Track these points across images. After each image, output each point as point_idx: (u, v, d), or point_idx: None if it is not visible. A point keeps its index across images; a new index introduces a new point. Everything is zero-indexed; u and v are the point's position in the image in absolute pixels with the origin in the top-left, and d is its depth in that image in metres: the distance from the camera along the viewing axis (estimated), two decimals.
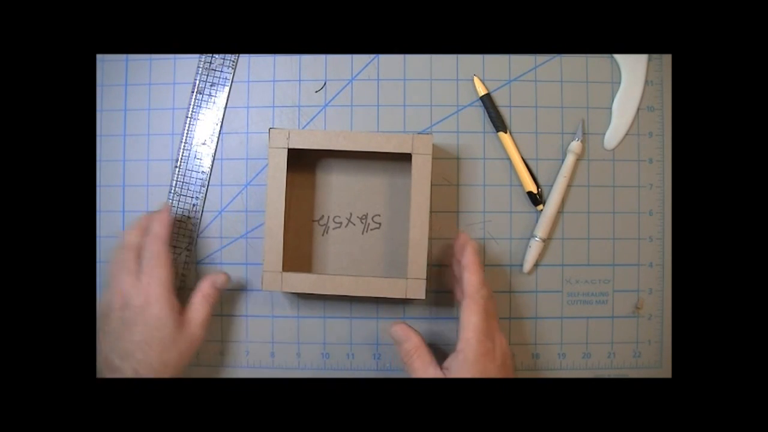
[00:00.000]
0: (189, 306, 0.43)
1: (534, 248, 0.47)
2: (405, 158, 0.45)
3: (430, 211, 0.43)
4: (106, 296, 0.42)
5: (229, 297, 0.48)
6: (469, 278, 0.40)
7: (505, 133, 0.47)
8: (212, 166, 0.48)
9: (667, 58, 0.48)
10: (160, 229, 0.43)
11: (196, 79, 0.48)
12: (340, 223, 0.48)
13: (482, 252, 0.47)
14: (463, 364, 0.39)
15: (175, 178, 0.48)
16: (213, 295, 0.44)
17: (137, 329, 0.40)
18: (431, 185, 0.42)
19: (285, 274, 0.43)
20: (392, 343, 0.48)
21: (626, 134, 0.48)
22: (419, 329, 0.48)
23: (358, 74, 0.48)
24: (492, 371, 0.39)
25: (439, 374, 0.39)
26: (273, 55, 0.49)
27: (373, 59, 0.48)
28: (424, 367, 0.40)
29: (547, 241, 0.47)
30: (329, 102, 0.48)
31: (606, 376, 0.47)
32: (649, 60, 0.48)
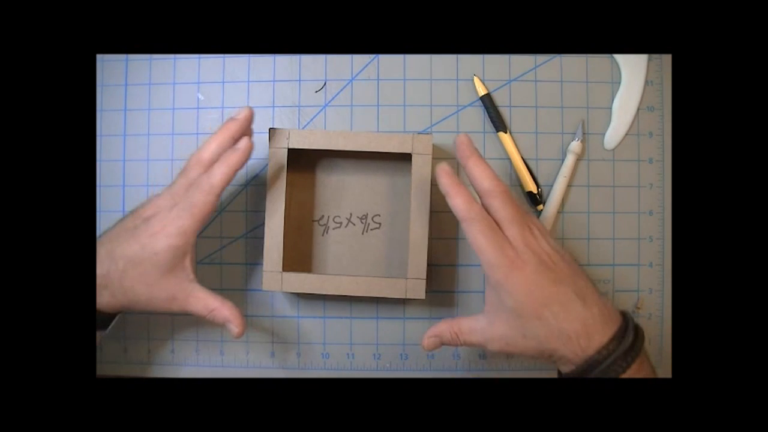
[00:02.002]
0: (205, 291, 0.40)
1: None
2: (405, 158, 0.45)
3: (430, 211, 0.43)
4: (158, 194, 0.41)
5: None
6: (453, 204, 0.37)
7: (505, 133, 0.47)
8: None
9: (667, 58, 0.48)
10: (219, 176, 0.39)
11: None
12: (340, 223, 0.48)
13: None
14: (497, 289, 0.36)
15: None
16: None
17: (135, 246, 0.38)
18: (431, 185, 0.42)
19: (285, 274, 0.43)
20: (392, 342, 0.48)
21: (626, 134, 0.48)
22: (419, 329, 0.48)
23: (358, 74, 0.48)
24: (531, 276, 0.36)
25: (481, 321, 0.38)
26: (273, 55, 0.49)
27: (373, 59, 0.48)
28: (470, 330, 0.39)
29: None
30: (329, 102, 0.48)
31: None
32: (649, 60, 0.48)
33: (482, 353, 0.48)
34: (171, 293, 0.39)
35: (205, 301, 0.40)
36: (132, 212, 0.41)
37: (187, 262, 0.40)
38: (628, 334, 0.35)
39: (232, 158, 0.39)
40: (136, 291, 0.39)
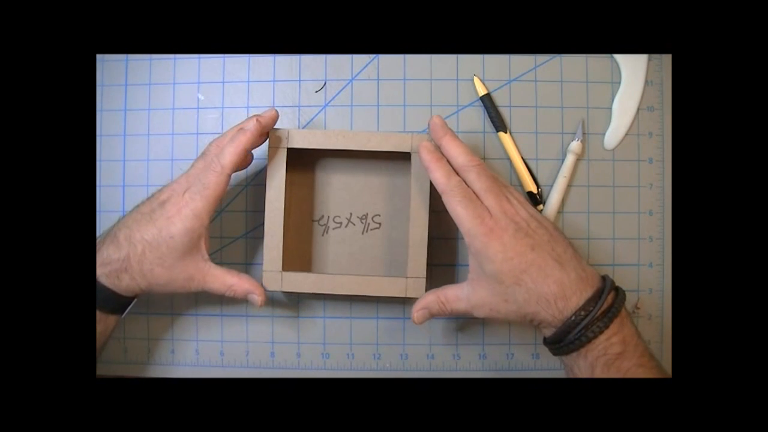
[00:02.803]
0: (220, 268, 0.42)
1: None
2: (405, 158, 0.45)
3: (430, 211, 0.43)
4: (174, 179, 0.42)
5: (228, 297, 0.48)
6: (433, 178, 0.39)
7: (505, 133, 0.47)
8: None
9: (667, 58, 0.48)
10: (228, 156, 0.40)
11: None
12: (340, 223, 0.48)
13: None
14: (477, 257, 0.38)
15: None
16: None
17: (153, 230, 0.40)
18: (431, 184, 0.42)
19: (285, 273, 0.43)
20: (392, 342, 0.48)
21: (626, 134, 0.48)
22: (419, 329, 0.48)
23: (358, 74, 0.48)
24: (510, 243, 0.37)
25: (465, 289, 0.39)
26: (273, 55, 0.49)
27: (373, 59, 0.48)
28: (456, 298, 0.40)
29: None
30: (329, 102, 0.48)
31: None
32: (649, 60, 0.48)
33: (482, 353, 0.48)
34: (189, 274, 0.41)
35: (222, 279, 0.42)
36: (149, 197, 0.42)
37: (202, 243, 0.41)
38: (605, 296, 0.36)
39: (241, 138, 0.40)
40: (156, 274, 0.40)
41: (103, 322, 0.41)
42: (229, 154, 0.40)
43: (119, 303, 0.41)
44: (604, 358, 0.36)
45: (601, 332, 0.36)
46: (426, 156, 0.40)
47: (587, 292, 0.37)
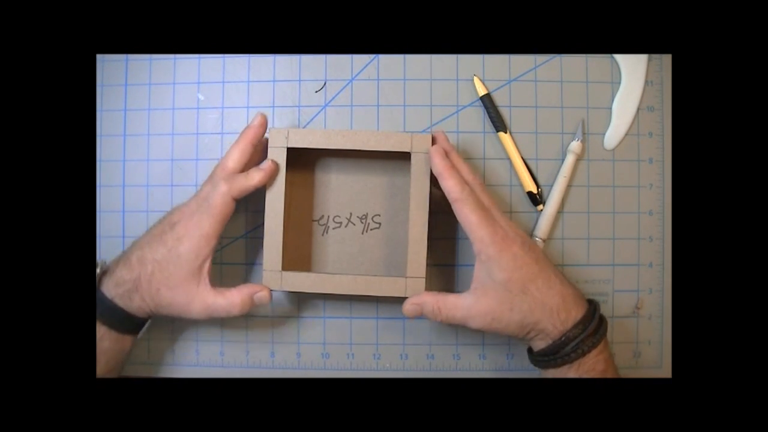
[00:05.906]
0: (219, 288, 0.42)
1: None
2: (405, 157, 0.45)
3: (430, 212, 0.43)
4: (184, 202, 0.43)
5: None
6: (446, 185, 0.40)
7: (505, 133, 0.47)
8: None
9: (667, 58, 0.48)
10: (237, 188, 0.41)
11: None
12: (340, 222, 0.48)
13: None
14: (488, 264, 0.39)
15: None
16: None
17: (163, 249, 0.40)
18: (430, 184, 0.42)
19: (285, 273, 0.43)
20: (392, 342, 0.48)
21: (626, 134, 0.48)
22: (419, 329, 0.48)
23: (358, 74, 0.48)
24: (519, 253, 0.39)
25: (467, 299, 0.40)
26: (273, 55, 0.49)
27: (373, 59, 0.48)
28: (453, 306, 0.40)
29: (547, 241, 0.47)
30: (329, 102, 0.48)
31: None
32: (649, 60, 0.48)
33: (482, 354, 0.48)
34: (189, 297, 0.41)
35: (222, 294, 0.41)
36: (160, 220, 0.43)
37: (206, 268, 0.41)
38: (597, 314, 0.40)
39: (256, 177, 0.41)
40: (162, 294, 0.40)
41: (120, 342, 0.41)
42: (241, 184, 0.41)
43: (133, 323, 0.42)
44: (592, 374, 0.38)
45: (594, 347, 0.38)
46: (439, 162, 0.40)
47: (582, 309, 0.39)
